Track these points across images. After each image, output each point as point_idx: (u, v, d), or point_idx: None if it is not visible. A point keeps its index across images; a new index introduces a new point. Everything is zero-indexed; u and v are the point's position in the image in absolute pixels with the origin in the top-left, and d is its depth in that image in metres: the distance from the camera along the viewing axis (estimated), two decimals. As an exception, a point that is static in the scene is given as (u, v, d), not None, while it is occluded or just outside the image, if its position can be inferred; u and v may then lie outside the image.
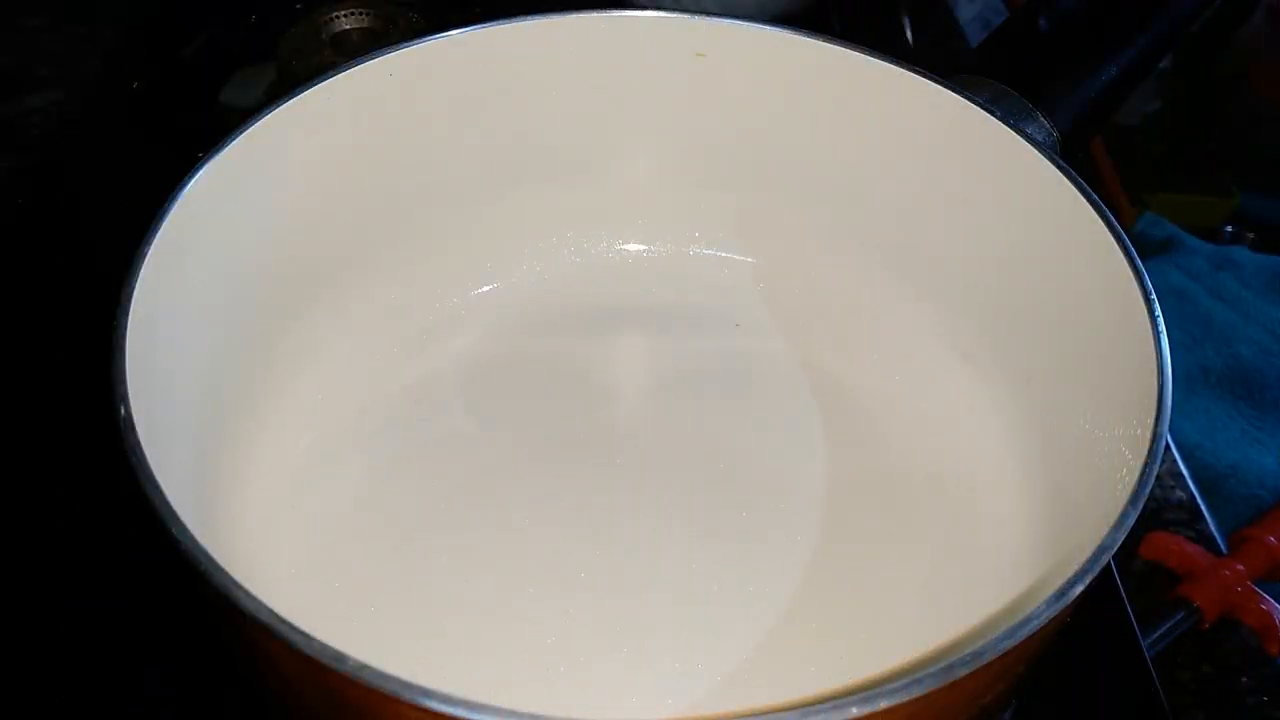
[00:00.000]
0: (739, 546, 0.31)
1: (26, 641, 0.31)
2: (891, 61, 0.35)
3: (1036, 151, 0.32)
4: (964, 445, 0.34)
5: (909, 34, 0.56)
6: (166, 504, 0.22)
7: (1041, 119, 0.35)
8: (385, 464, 0.33)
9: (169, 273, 0.28)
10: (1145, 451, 0.24)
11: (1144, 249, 0.68)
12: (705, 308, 0.39)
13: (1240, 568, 0.37)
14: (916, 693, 0.19)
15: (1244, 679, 0.35)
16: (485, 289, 0.38)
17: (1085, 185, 0.31)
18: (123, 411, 0.24)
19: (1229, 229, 0.80)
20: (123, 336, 0.26)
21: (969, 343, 0.36)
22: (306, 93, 0.32)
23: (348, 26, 0.48)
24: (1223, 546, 0.39)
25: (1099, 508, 0.25)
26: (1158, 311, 0.28)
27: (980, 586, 0.30)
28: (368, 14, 0.48)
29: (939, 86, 0.34)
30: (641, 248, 0.40)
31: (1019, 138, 0.33)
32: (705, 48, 0.37)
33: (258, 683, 0.25)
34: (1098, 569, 0.22)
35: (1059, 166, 0.32)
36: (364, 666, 0.19)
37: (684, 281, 0.39)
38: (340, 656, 0.19)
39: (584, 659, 0.29)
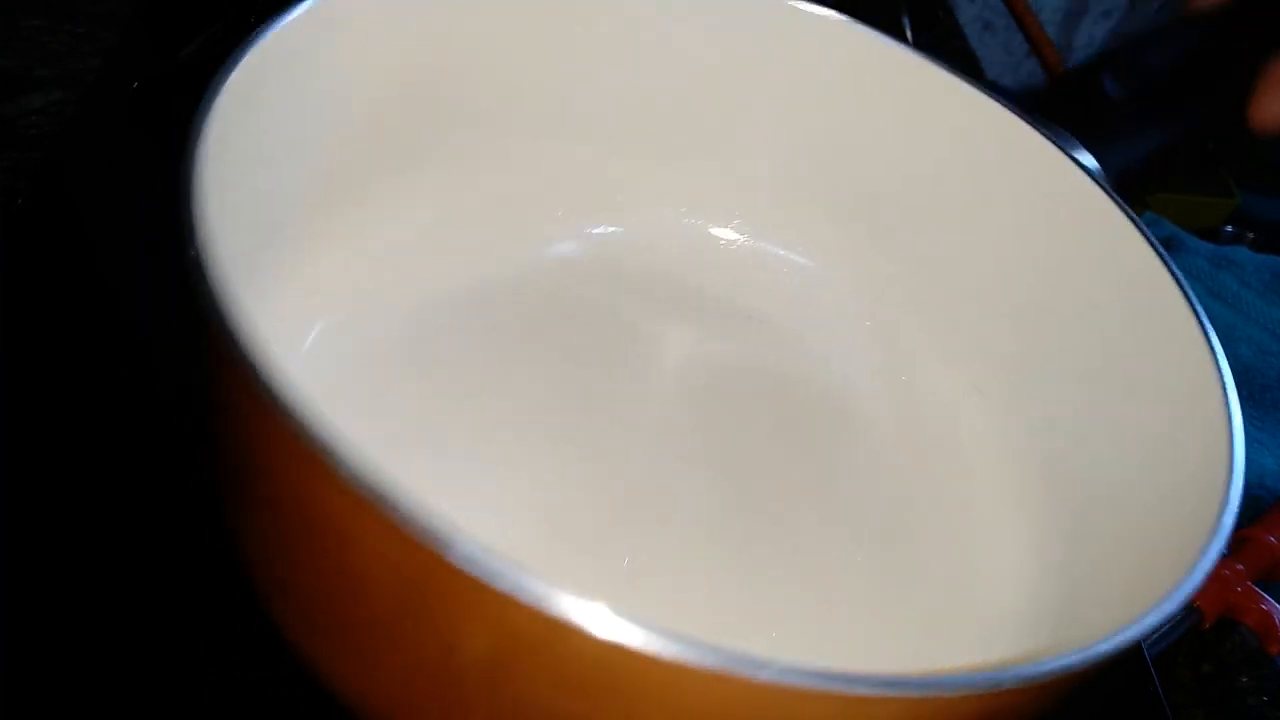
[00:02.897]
0: (730, 549, 0.31)
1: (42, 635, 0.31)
2: (955, 72, 0.34)
3: (1102, 190, 0.31)
4: (968, 480, 0.34)
5: (909, 34, 0.56)
6: (248, 340, 0.19)
7: (1094, 162, 0.34)
8: (418, 363, 0.33)
9: (241, 116, 0.26)
10: (1200, 548, 0.22)
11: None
12: (771, 310, 0.39)
13: (1240, 568, 0.37)
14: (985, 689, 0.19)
15: (1244, 679, 0.35)
16: (568, 225, 0.38)
17: (1151, 236, 0.29)
18: (193, 252, 0.21)
19: (1229, 229, 0.80)
20: (195, 173, 0.23)
21: (988, 375, 0.35)
22: None
23: (348, 26, 0.48)
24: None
25: (1119, 588, 0.23)
26: (1230, 387, 0.24)
27: (977, 625, 0.30)
28: (368, 14, 0.48)
29: (1001, 106, 0.33)
30: (735, 237, 0.40)
31: (1080, 171, 0.31)
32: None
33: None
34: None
35: (1121, 208, 0.30)
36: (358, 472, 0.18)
37: (760, 280, 0.39)
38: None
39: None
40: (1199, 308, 0.27)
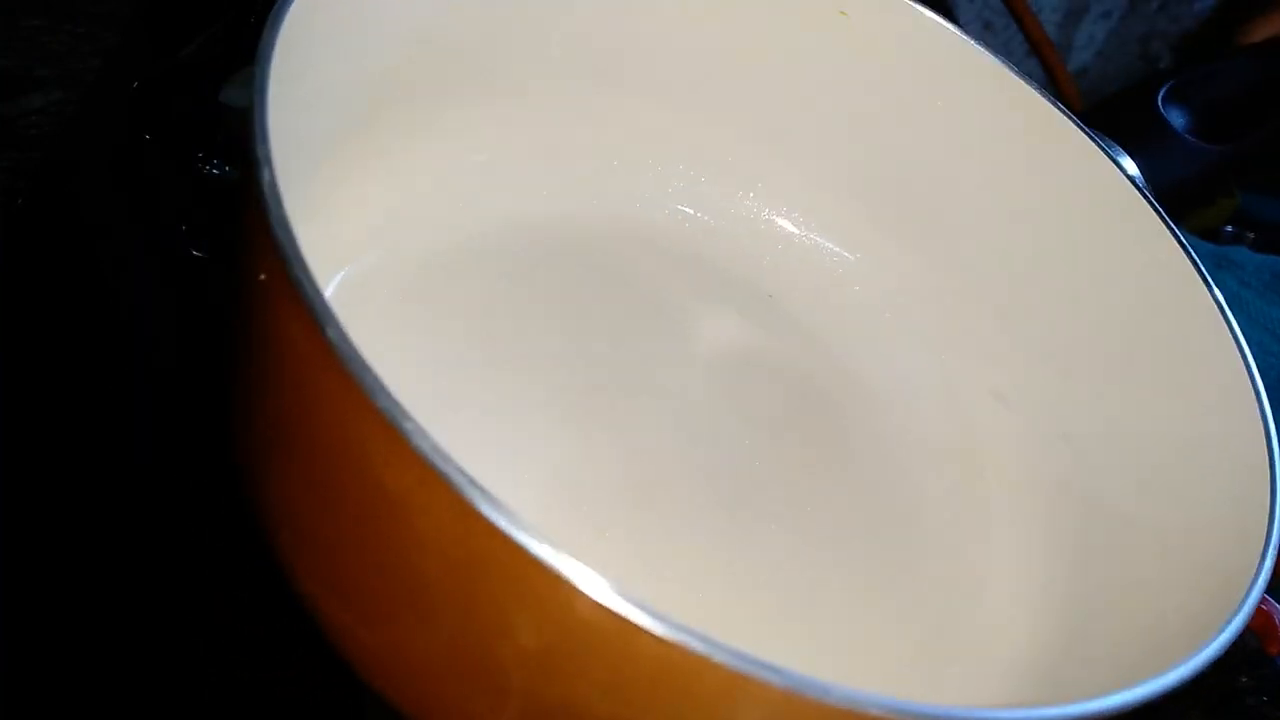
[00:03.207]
0: (727, 550, 0.31)
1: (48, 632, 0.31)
2: (1023, 77, 0.34)
3: (1154, 213, 0.30)
4: (980, 490, 0.34)
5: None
6: (316, 288, 0.19)
7: (1136, 170, 0.34)
8: (444, 301, 0.33)
9: (299, 45, 0.25)
10: (1241, 599, 0.20)
11: (1144, 249, 0.68)
12: (813, 307, 0.38)
13: (1240, 568, 0.36)
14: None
15: (1244, 679, 0.35)
16: (630, 192, 0.38)
17: (1190, 251, 0.28)
18: (266, 176, 0.20)
19: (1229, 229, 0.80)
20: (264, 92, 0.22)
21: (1007, 382, 0.34)
22: None
23: (348, 26, 0.48)
24: (1222, 546, 0.38)
25: (1131, 622, 0.23)
26: (1271, 422, 0.23)
27: (981, 643, 0.30)
28: (368, 14, 0.48)
29: (1064, 116, 0.33)
30: (789, 228, 0.40)
31: (1135, 190, 0.31)
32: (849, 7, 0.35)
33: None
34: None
35: (1166, 224, 0.30)
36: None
37: (808, 275, 0.39)
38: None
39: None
40: (1234, 323, 0.27)
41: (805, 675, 0.17)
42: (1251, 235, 0.79)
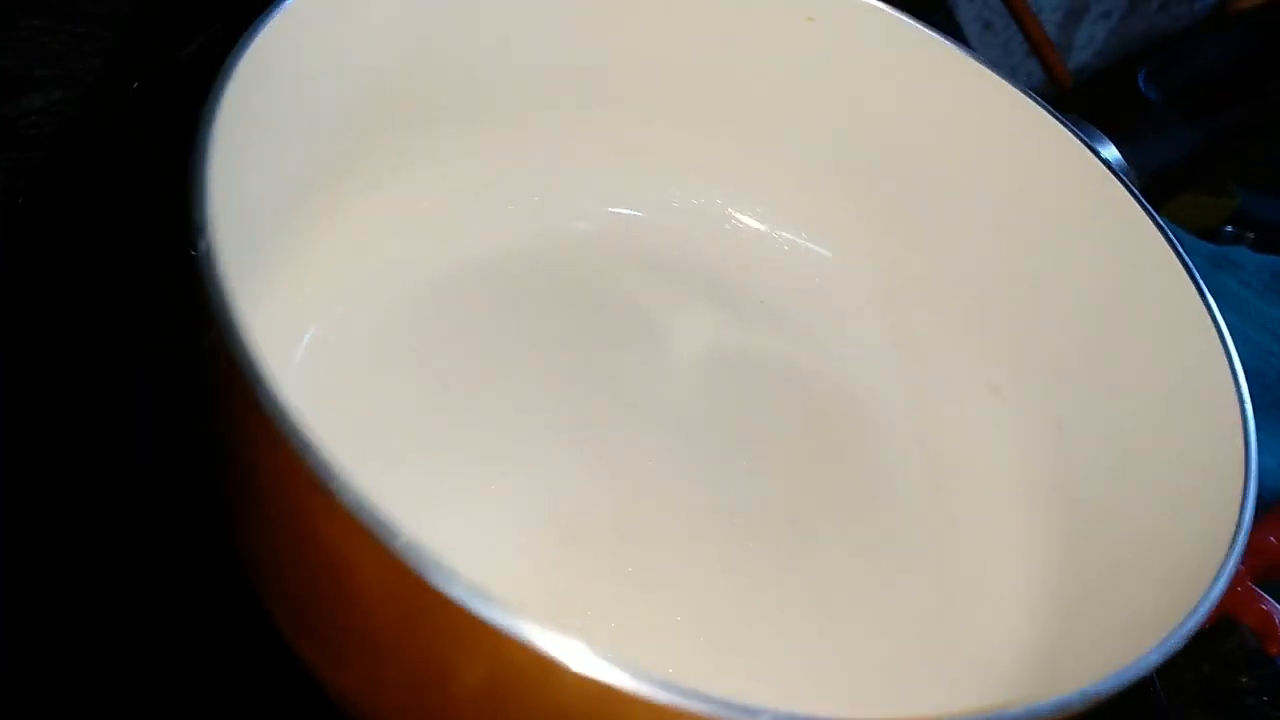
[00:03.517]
0: (724, 548, 0.31)
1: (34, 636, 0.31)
2: (998, 73, 0.34)
3: (1130, 195, 0.30)
4: (978, 485, 0.34)
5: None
6: (250, 350, 0.19)
7: (1118, 157, 0.34)
8: (419, 343, 0.33)
9: (246, 107, 0.26)
10: (1218, 564, 0.21)
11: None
12: (788, 302, 0.38)
13: (1240, 568, 0.36)
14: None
15: (1244, 679, 0.35)
16: (586, 207, 0.38)
17: (1172, 238, 0.29)
18: (204, 245, 0.21)
19: (1229, 229, 0.80)
20: (204, 166, 0.23)
21: (1001, 373, 0.34)
22: None
23: (348, 26, 0.48)
24: (1223, 546, 0.38)
25: (1126, 607, 0.23)
26: (1245, 397, 0.24)
27: (984, 638, 0.30)
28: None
29: (1040, 107, 0.33)
30: (757, 225, 0.39)
31: (1114, 177, 0.31)
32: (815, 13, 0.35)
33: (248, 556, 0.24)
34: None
35: (1152, 218, 0.30)
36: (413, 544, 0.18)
37: (779, 270, 0.39)
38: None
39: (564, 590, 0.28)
40: (1215, 309, 0.27)
41: (734, 700, 0.17)
42: (1251, 235, 0.79)
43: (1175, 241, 0.29)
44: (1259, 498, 0.50)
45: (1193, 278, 0.28)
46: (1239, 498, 0.22)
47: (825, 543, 0.32)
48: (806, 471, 0.34)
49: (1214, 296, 0.62)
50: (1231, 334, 0.60)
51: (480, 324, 0.34)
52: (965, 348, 0.37)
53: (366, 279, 0.33)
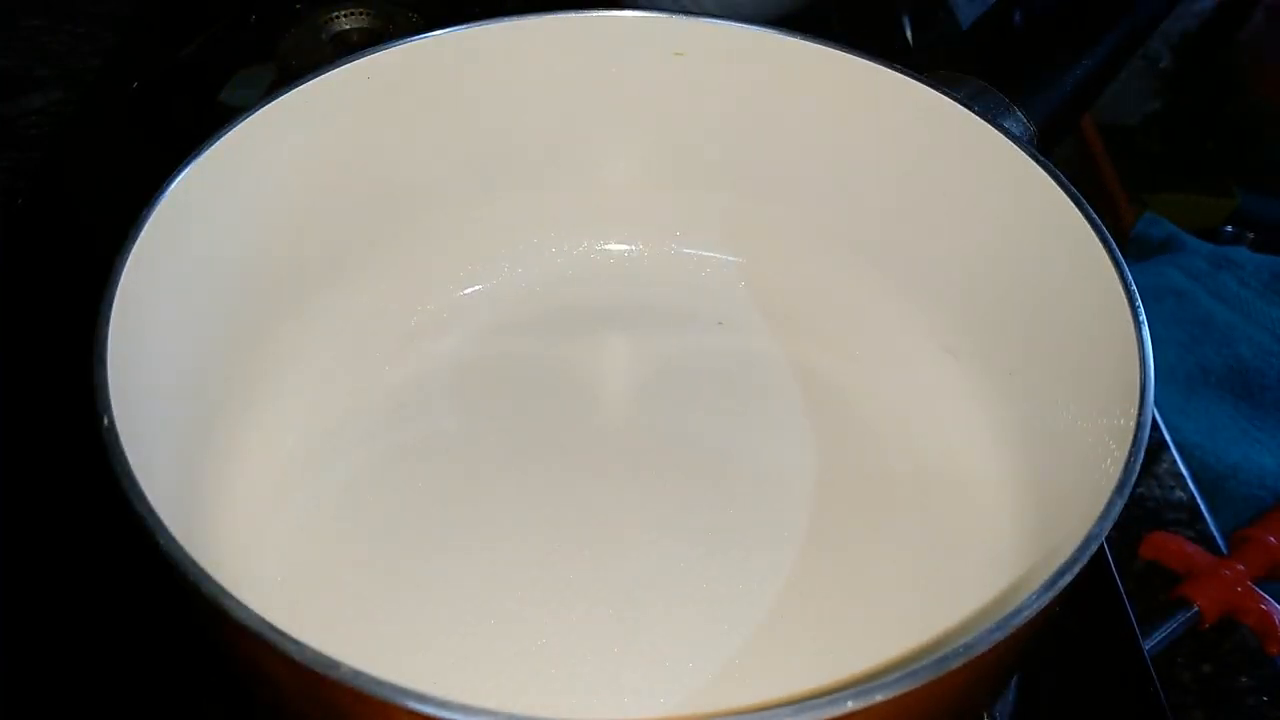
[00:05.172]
0: (725, 546, 0.31)
1: (14, 650, 0.31)
2: (871, 58, 0.35)
3: (1016, 147, 0.32)
4: (949, 440, 0.34)
5: (909, 34, 0.55)
6: (152, 513, 0.22)
7: (1019, 114, 0.35)
8: (370, 468, 0.33)
9: (151, 275, 0.27)
10: (1130, 441, 0.24)
11: (1143, 249, 0.68)
12: (689, 307, 0.39)
13: (1240, 568, 0.37)
14: (911, 685, 0.19)
15: (1244, 679, 0.35)
16: (469, 290, 0.38)
17: (1065, 180, 0.31)
18: (105, 421, 0.24)
19: (1229, 229, 0.80)
20: (104, 343, 0.26)
21: (953, 337, 0.36)
22: (288, 94, 0.32)
23: (347, 26, 0.48)
24: (1223, 547, 0.39)
25: (1085, 500, 0.25)
26: (1138, 302, 0.28)
27: (967, 581, 0.30)
28: (367, 14, 0.48)
29: (919, 83, 0.34)
30: (625, 248, 0.40)
31: (999, 133, 0.33)
32: (685, 47, 0.36)
33: (246, 689, 0.25)
34: (1086, 558, 0.22)
35: (1039, 161, 0.32)
36: (358, 673, 0.19)
37: (668, 281, 0.40)
38: (333, 663, 0.19)
39: (573, 661, 0.28)
40: (1111, 241, 0.29)
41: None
42: (1251, 235, 0.79)
43: (1082, 199, 0.30)
44: (1259, 497, 0.50)
45: (1099, 232, 0.30)
46: (1135, 418, 0.25)
47: (807, 509, 0.32)
48: (777, 452, 0.34)
49: (1214, 297, 0.63)
50: (1232, 334, 0.60)
51: (421, 431, 0.34)
52: (918, 321, 0.37)
53: (312, 443, 0.33)
